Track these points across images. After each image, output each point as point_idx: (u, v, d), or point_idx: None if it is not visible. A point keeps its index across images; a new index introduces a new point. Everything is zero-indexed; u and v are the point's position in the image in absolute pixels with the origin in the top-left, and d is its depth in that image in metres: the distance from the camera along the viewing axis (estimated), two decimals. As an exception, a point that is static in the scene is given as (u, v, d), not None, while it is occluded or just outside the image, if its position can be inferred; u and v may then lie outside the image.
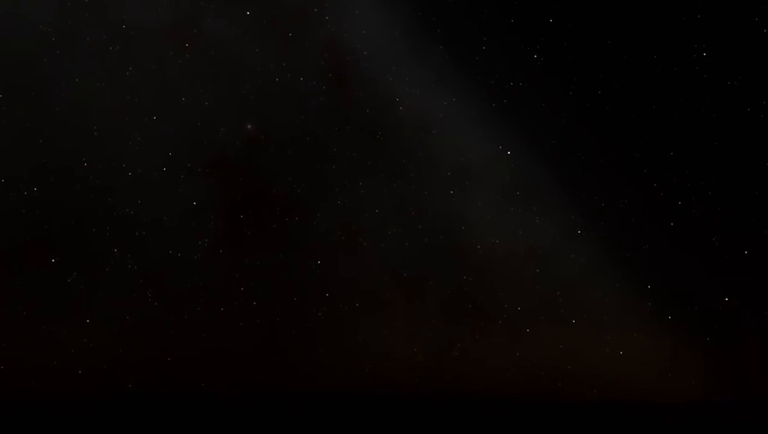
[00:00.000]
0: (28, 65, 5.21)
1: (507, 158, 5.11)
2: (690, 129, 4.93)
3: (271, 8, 5.28)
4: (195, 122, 5.31)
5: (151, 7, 5.26)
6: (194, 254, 5.26)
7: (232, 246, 5.27)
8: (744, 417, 4.80)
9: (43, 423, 4.98)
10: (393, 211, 5.19)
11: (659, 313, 4.98)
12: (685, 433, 4.76)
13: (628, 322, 4.99)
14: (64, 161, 5.27)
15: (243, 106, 5.30)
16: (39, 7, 5.19)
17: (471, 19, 5.17)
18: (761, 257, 4.86)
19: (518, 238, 5.09)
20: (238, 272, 5.24)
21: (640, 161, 5.00)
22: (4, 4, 5.16)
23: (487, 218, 5.11)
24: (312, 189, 5.26)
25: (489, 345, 5.06)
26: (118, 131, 5.31)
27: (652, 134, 4.96)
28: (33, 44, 5.21)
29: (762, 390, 4.84)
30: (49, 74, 5.23)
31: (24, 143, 5.20)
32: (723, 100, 4.90)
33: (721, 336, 4.90)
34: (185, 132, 5.32)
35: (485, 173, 5.15)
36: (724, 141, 4.86)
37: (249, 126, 5.30)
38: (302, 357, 5.18)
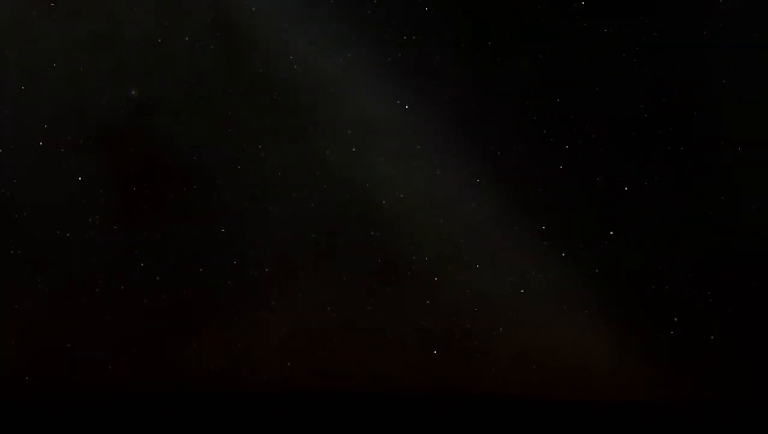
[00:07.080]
0: None
1: (406, 112, 5.15)
2: (575, 76, 5.19)
3: (147, -38, 4.90)
4: (72, 91, 4.88)
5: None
6: (85, 233, 4.92)
7: (127, 222, 4.98)
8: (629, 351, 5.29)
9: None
10: (296, 172, 5.10)
11: (554, 251, 5.31)
12: (583, 369, 5.20)
13: (527, 262, 5.28)
14: None
15: (125, 70, 4.93)
16: None
17: (360, -29, 5.09)
18: (640, 193, 5.30)
19: (422, 191, 5.19)
20: (136, 249, 4.97)
21: (531, 110, 5.21)
22: None
23: (391, 174, 5.16)
24: (209, 155, 5.05)
25: (401, 297, 5.18)
26: (-18, 105, 4.79)
27: (541, 83, 5.18)
28: None
29: (642, 320, 5.33)
30: None
31: None
32: (604, 47, 5.19)
33: (609, 269, 5.32)
34: (61, 102, 4.88)
35: (386, 128, 5.17)
36: (606, 87, 5.18)
37: (134, 92, 4.95)
38: (215, 330, 5.05)
